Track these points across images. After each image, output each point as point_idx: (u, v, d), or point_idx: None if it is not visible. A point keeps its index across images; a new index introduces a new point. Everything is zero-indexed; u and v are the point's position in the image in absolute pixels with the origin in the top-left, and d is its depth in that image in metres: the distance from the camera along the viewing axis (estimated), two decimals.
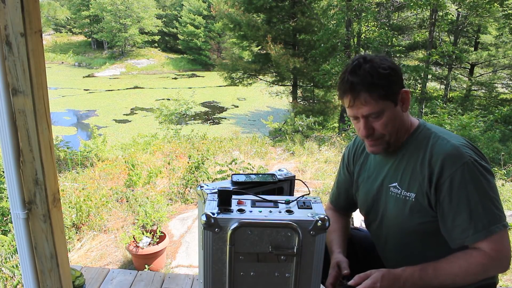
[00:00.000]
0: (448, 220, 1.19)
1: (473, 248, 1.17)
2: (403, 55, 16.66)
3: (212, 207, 1.20)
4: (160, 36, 34.56)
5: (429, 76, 15.45)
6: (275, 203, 1.24)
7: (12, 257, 2.78)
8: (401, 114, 1.27)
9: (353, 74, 1.21)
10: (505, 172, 6.13)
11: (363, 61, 1.22)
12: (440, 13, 13.23)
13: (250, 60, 17.01)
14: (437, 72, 17.21)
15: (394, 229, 1.34)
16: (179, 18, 33.98)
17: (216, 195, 1.22)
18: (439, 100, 14.28)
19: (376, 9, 13.64)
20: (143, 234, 3.29)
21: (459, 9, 14.73)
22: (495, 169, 6.29)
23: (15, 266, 2.65)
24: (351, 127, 10.84)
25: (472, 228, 1.15)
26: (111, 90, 24.14)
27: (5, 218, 3.34)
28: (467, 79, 17.22)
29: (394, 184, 1.32)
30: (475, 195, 1.15)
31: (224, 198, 1.20)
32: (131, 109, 19.80)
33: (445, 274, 1.17)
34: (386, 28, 13.00)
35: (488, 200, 1.16)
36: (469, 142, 1.24)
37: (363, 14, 12.69)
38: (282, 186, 1.68)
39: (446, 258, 1.20)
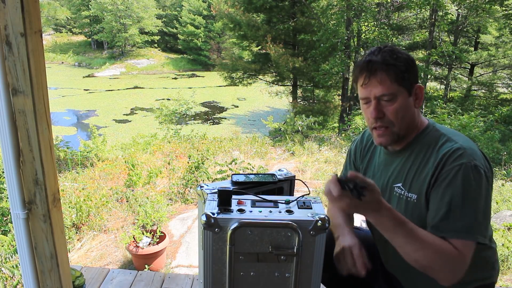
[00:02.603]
0: (431, 211, 1.17)
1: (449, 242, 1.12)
2: None
3: (212, 207, 1.20)
4: (160, 36, 34.55)
5: (429, 76, 15.43)
6: (275, 203, 1.24)
7: (12, 257, 2.77)
8: (413, 108, 1.25)
9: (372, 55, 1.24)
10: (506, 173, 6.12)
11: (383, 47, 1.25)
12: (440, 13, 13.23)
13: (250, 60, 17.00)
14: (437, 72, 17.18)
15: None
16: (179, 18, 33.98)
17: (216, 195, 1.22)
18: (439, 100, 14.27)
19: (376, 9, 13.63)
20: (143, 234, 3.29)
21: (459, 10, 14.72)
22: (495, 169, 6.28)
23: (15, 266, 2.64)
24: (351, 127, 10.83)
25: (443, 226, 1.12)
26: (111, 90, 24.12)
27: (5, 218, 3.34)
28: (467, 79, 17.21)
29: (398, 185, 1.31)
30: (459, 199, 1.12)
31: (224, 198, 1.19)
32: (131, 109, 19.79)
33: (413, 241, 1.11)
34: (386, 28, 12.99)
35: (471, 209, 1.12)
36: (479, 149, 1.21)
37: (363, 14, 12.69)
38: (282, 186, 1.68)
39: (427, 233, 1.14)
